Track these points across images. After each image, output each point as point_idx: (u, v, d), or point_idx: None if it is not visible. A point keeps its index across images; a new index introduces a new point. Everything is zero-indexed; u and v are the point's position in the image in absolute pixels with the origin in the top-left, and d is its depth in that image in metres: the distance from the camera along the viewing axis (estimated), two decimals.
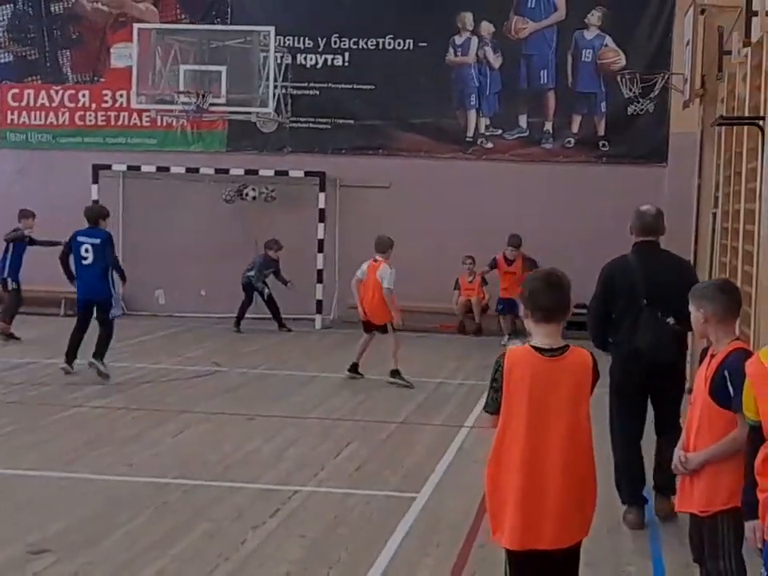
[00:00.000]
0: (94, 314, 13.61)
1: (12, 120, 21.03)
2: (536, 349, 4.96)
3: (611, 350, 8.10)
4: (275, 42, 19.01)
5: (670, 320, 7.76)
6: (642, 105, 18.24)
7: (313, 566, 6.92)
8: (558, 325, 4.97)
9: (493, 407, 4.95)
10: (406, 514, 8.06)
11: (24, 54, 21.09)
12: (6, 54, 21.15)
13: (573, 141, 19.81)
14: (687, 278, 7.50)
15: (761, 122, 9.25)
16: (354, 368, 13.95)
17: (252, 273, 18.75)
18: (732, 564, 5.25)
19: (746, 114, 10.56)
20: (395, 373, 13.63)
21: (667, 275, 7.91)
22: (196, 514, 7.89)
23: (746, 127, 10.44)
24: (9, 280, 16.66)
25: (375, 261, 13.73)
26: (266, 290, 18.86)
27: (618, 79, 17.45)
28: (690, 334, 7.97)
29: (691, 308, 5.49)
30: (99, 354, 13.36)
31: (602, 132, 19.64)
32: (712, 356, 5.36)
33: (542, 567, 4.97)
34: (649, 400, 8.16)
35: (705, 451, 5.25)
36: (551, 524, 4.91)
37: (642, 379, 7.96)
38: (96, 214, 13.90)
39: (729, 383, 5.13)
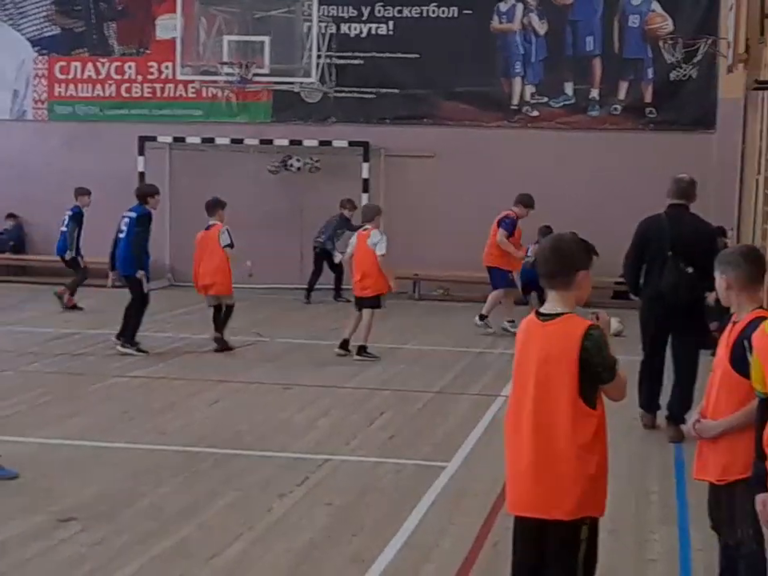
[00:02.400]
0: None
1: (59, 93, 21.22)
2: (537, 313, 4.97)
3: (641, 292, 9.78)
4: (319, 11, 18.98)
5: (689, 269, 9.25)
6: (686, 71, 17.98)
7: (337, 533, 6.94)
8: (559, 291, 4.86)
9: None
10: (434, 482, 8.05)
11: (71, 26, 21.24)
12: (54, 27, 21.30)
13: (619, 108, 19.59)
14: (706, 237, 9.47)
15: None
16: (344, 344, 13.38)
17: (323, 237, 18.62)
18: (750, 532, 5.18)
19: None
20: (362, 349, 13.19)
21: (690, 233, 9.42)
22: (224, 482, 7.93)
23: None
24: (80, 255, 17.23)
25: (364, 230, 13.48)
26: (338, 255, 18.60)
27: (661, 44, 17.21)
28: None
29: (716, 274, 5.41)
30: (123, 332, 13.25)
31: (649, 99, 19.39)
32: (734, 324, 5.26)
33: (530, 538, 4.98)
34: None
35: (722, 421, 5.16)
36: (521, 487, 4.93)
37: (663, 317, 9.47)
38: (141, 192, 14.06)
39: (747, 352, 5.03)
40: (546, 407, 4.79)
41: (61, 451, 8.80)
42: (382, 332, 14.48)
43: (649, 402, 9.77)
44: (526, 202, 15.29)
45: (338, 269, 18.68)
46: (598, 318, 4.84)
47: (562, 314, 4.84)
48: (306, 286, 18.72)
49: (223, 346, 13.60)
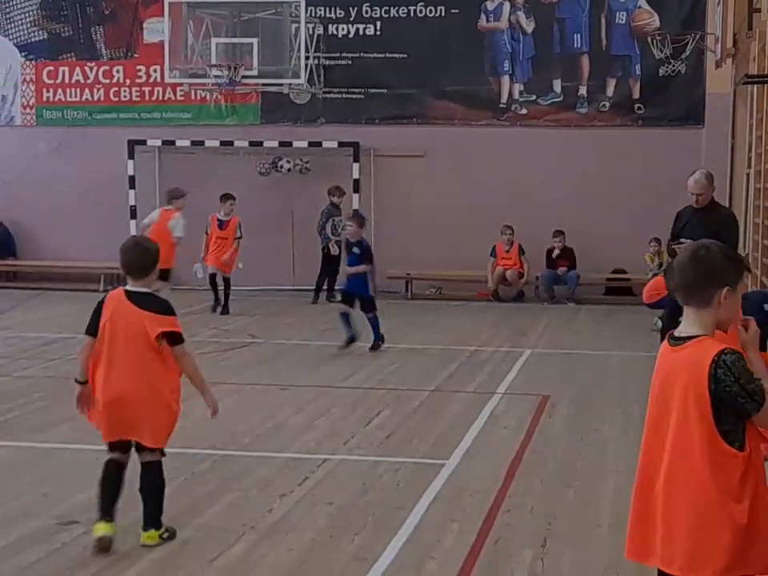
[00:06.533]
0: None
1: (47, 98, 21.19)
2: (670, 336, 4.19)
3: None
4: (306, 12, 19.01)
5: None
6: (675, 66, 18.06)
7: (338, 532, 6.94)
8: (692, 308, 4.07)
9: None
10: (433, 480, 8.06)
11: (58, 31, 21.22)
12: (41, 32, 21.29)
13: (608, 105, 19.66)
14: None
15: None
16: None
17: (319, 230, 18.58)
18: None
19: None
20: None
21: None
22: (223, 484, 7.94)
23: None
24: None
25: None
26: (335, 246, 18.42)
27: (650, 41, 17.25)
28: None
29: None
30: None
31: (637, 95, 19.46)
32: None
33: None
34: None
35: None
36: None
37: None
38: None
39: None
40: (681, 450, 4.03)
41: (60, 455, 8.80)
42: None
43: None
44: None
45: (332, 266, 18.59)
46: (746, 329, 4.08)
47: (695, 336, 4.06)
48: (308, 287, 18.65)
49: None
